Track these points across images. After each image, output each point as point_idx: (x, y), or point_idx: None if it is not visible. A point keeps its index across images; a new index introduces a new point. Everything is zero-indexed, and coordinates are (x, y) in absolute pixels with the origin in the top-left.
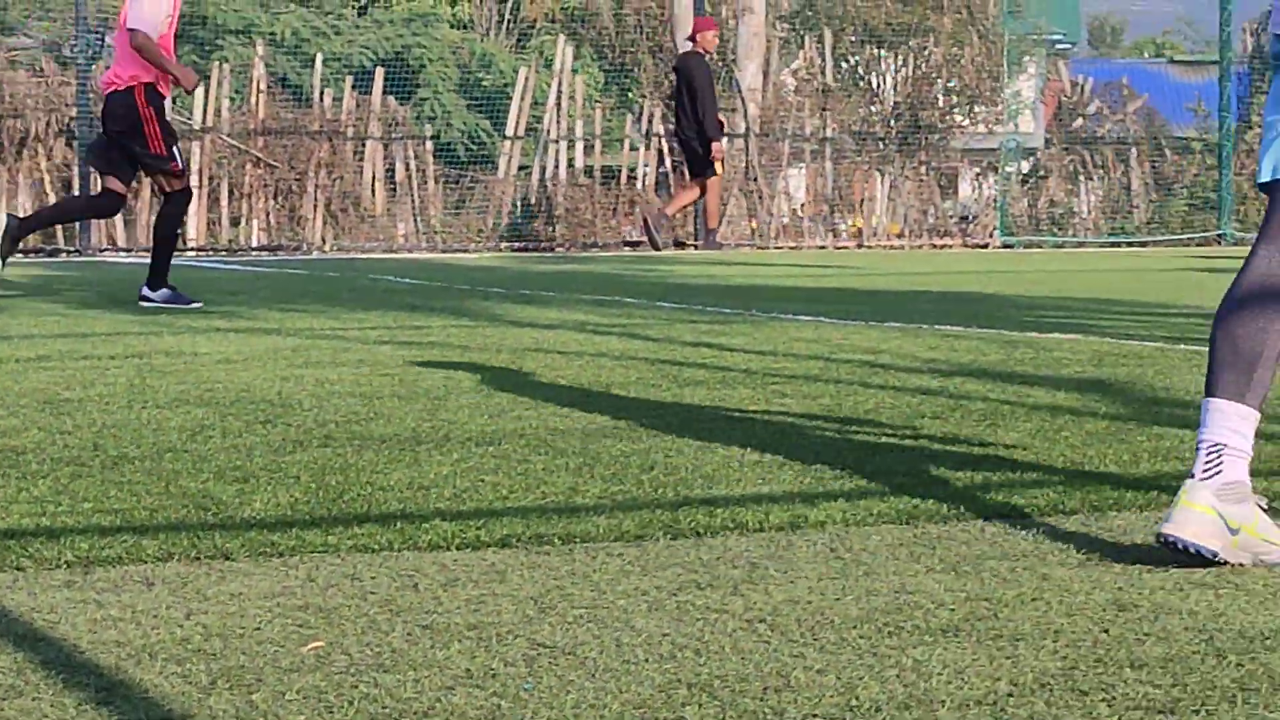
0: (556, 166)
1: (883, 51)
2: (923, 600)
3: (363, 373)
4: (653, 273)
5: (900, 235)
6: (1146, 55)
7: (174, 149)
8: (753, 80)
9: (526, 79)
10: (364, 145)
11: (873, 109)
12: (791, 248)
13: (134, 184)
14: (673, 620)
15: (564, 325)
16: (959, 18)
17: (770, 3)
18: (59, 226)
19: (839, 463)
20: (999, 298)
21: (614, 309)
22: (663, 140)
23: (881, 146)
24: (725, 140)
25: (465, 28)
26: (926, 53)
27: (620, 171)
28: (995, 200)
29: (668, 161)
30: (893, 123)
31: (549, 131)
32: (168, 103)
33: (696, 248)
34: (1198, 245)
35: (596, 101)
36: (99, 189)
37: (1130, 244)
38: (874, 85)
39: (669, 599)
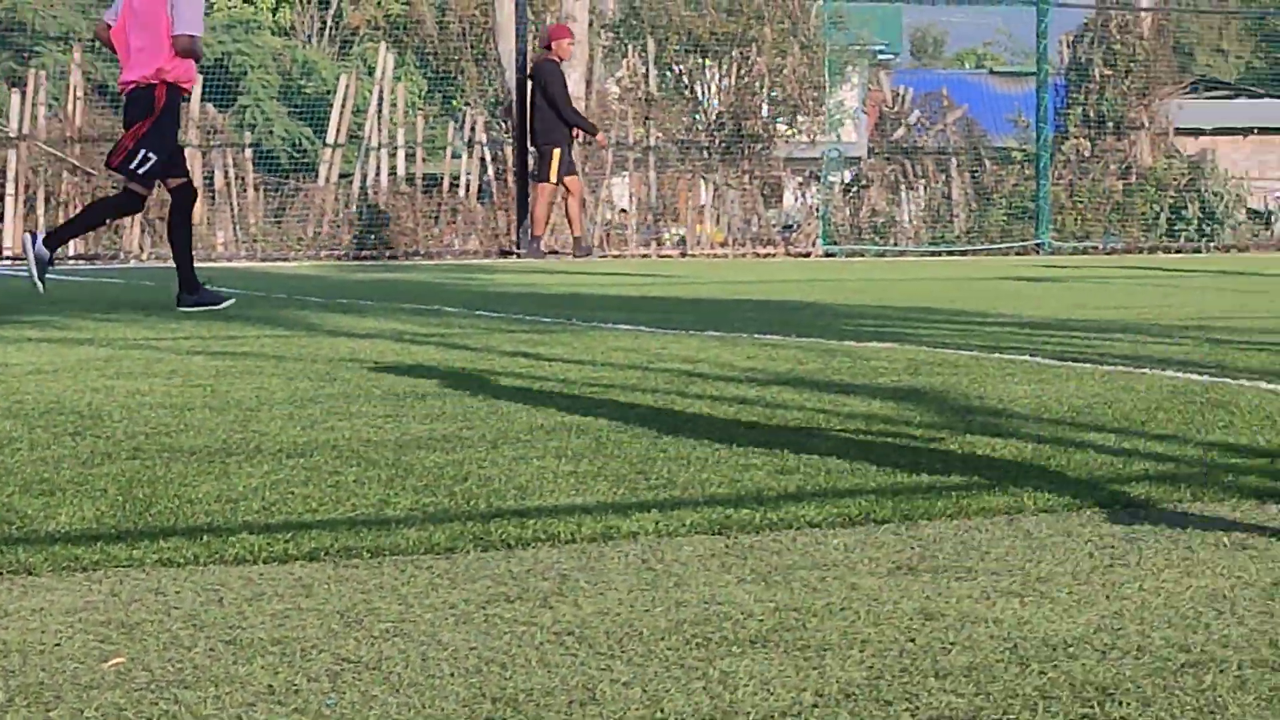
0: (378, 174)
1: (706, 61)
2: (732, 611)
3: (174, 384)
4: (473, 282)
5: (724, 244)
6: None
7: (141, 155)
8: (576, 89)
9: (348, 86)
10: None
11: (696, 118)
12: (615, 256)
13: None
14: (480, 634)
15: (381, 335)
16: (782, 28)
17: (594, 11)
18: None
19: (653, 473)
20: (819, 306)
21: (432, 318)
22: (485, 148)
23: (705, 155)
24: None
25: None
26: (750, 62)
27: (443, 179)
28: (818, 209)
29: (490, 169)
30: (716, 132)
31: (371, 139)
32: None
33: (519, 255)
34: (1017, 254)
35: (419, 109)
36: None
37: (950, 253)
38: (698, 94)
39: (477, 612)
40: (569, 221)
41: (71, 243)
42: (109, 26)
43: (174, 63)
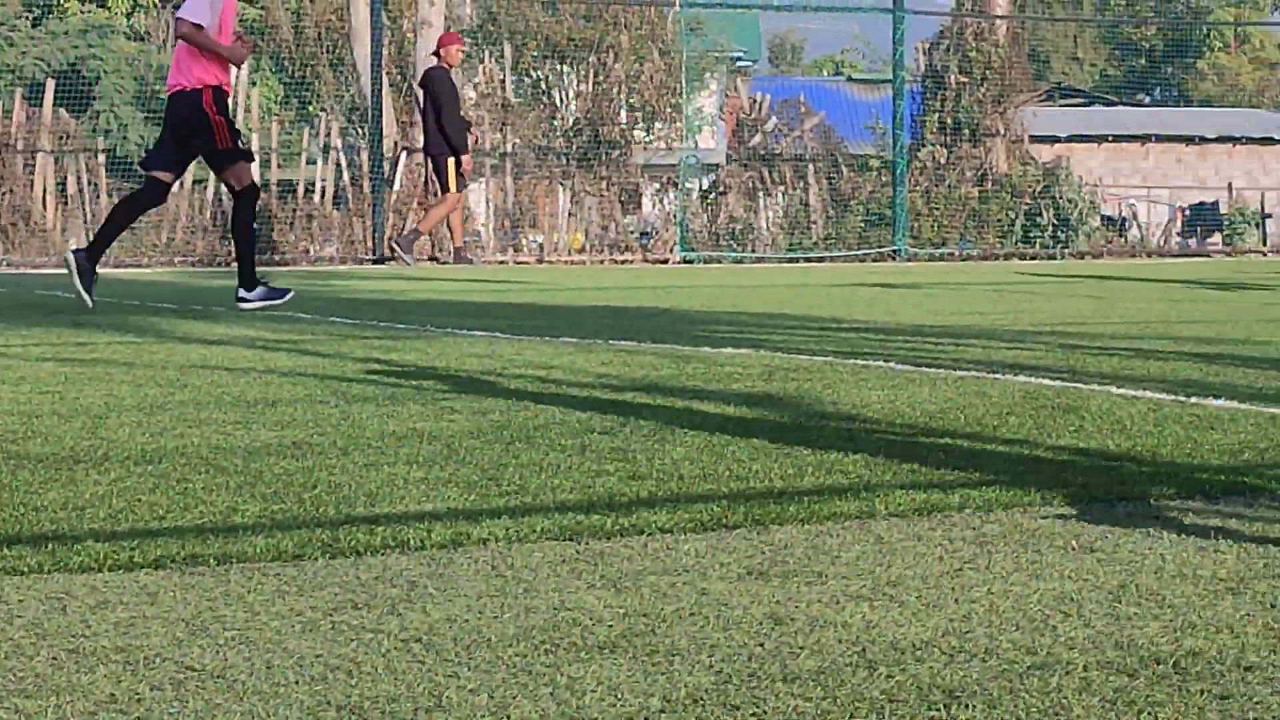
0: None
1: (564, 67)
2: (581, 617)
3: (22, 390)
4: (327, 288)
5: (581, 250)
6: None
7: (237, 141)
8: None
9: None
10: (34, 158)
11: (554, 124)
12: (468, 261)
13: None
14: (327, 641)
15: (233, 341)
16: (640, 34)
17: (450, 17)
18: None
19: (505, 479)
20: (675, 313)
21: (285, 325)
22: (341, 153)
23: (563, 162)
24: (405, 155)
25: (142, 39)
26: (607, 69)
27: (299, 185)
28: (675, 216)
29: (346, 175)
30: (574, 138)
31: None
32: None
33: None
34: (873, 261)
35: (274, 114)
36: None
37: (808, 259)
38: (555, 101)
39: (324, 619)
40: (450, 230)
41: None
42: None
43: (204, 65)
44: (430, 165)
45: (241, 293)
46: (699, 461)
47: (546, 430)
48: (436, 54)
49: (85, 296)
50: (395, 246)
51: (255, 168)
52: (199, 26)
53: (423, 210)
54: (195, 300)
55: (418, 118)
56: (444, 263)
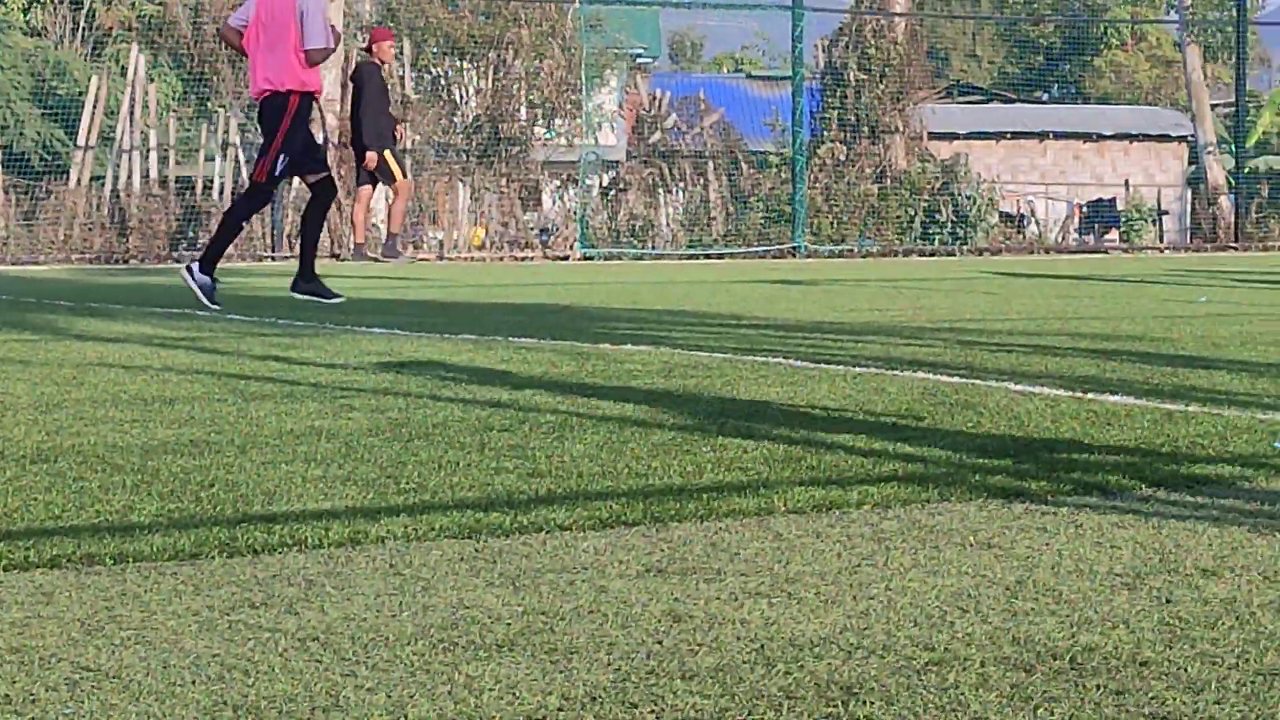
0: (130, 176)
1: (464, 63)
2: (480, 615)
3: None
4: (225, 285)
5: (482, 247)
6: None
7: (278, 161)
8: (331, 90)
9: (100, 88)
10: None
11: (454, 121)
12: (372, 259)
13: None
14: (224, 640)
15: (130, 339)
16: (540, 31)
17: (350, 13)
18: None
19: (403, 477)
20: (575, 309)
21: (184, 322)
22: (240, 150)
23: (463, 159)
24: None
25: (39, 35)
26: (507, 65)
27: (196, 182)
28: (576, 213)
29: (245, 171)
30: (474, 135)
31: (123, 141)
32: None
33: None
34: (773, 257)
35: (173, 111)
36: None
37: (708, 256)
38: (455, 97)
39: (221, 619)
40: (353, 225)
41: None
42: (239, 32)
43: (305, 72)
44: (359, 160)
45: (299, 285)
46: (598, 459)
47: (445, 428)
48: (368, 49)
49: (211, 306)
50: (383, 259)
51: (153, 164)
52: (325, 51)
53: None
54: (92, 298)
55: (315, 114)
56: (344, 260)
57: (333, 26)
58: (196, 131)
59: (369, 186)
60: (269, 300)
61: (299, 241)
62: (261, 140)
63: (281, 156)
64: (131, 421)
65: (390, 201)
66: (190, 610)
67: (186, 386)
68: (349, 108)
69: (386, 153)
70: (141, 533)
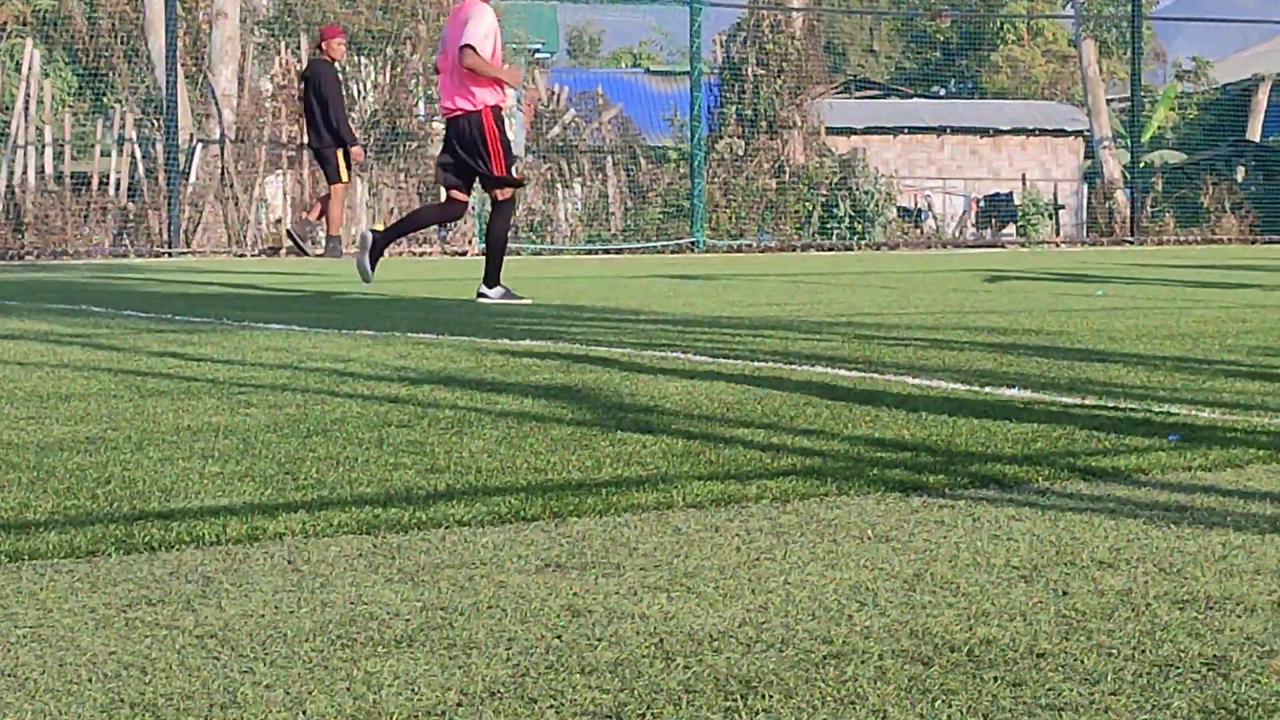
0: (25, 172)
1: (361, 58)
2: (378, 611)
3: None
4: (122, 281)
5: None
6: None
7: (511, 167)
8: (228, 86)
9: None
10: None
11: (351, 116)
12: (269, 255)
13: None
14: (120, 638)
15: (25, 336)
16: (437, 26)
17: (246, 7)
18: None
19: (301, 473)
20: (474, 305)
21: (80, 318)
22: (135, 146)
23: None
24: (201, 147)
25: None
26: (405, 60)
27: (93, 178)
28: (474, 208)
29: (141, 167)
30: (371, 130)
31: (18, 136)
32: None
33: (320, 256)
34: (672, 252)
35: (68, 106)
36: (445, 199)
37: (606, 251)
38: (353, 92)
39: (118, 616)
40: (327, 221)
41: None
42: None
43: (483, 87)
44: (317, 158)
45: (482, 289)
46: (497, 454)
47: (343, 424)
48: (319, 47)
49: (368, 272)
50: (321, 255)
51: (49, 159)
52: (473, 49)
53: (318, 210)
54: None
55: (213, 109)
56: (297, 253)
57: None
58: (92, 127)
59: (342, 183)
60: (165, 296)
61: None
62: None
63: (509, 167)
64: (27, 419)
65: (323, 196)
66: (87, 608)
67: (82, 383)
68: (303, 106)
69: (339, 151)
70: (37, 530)
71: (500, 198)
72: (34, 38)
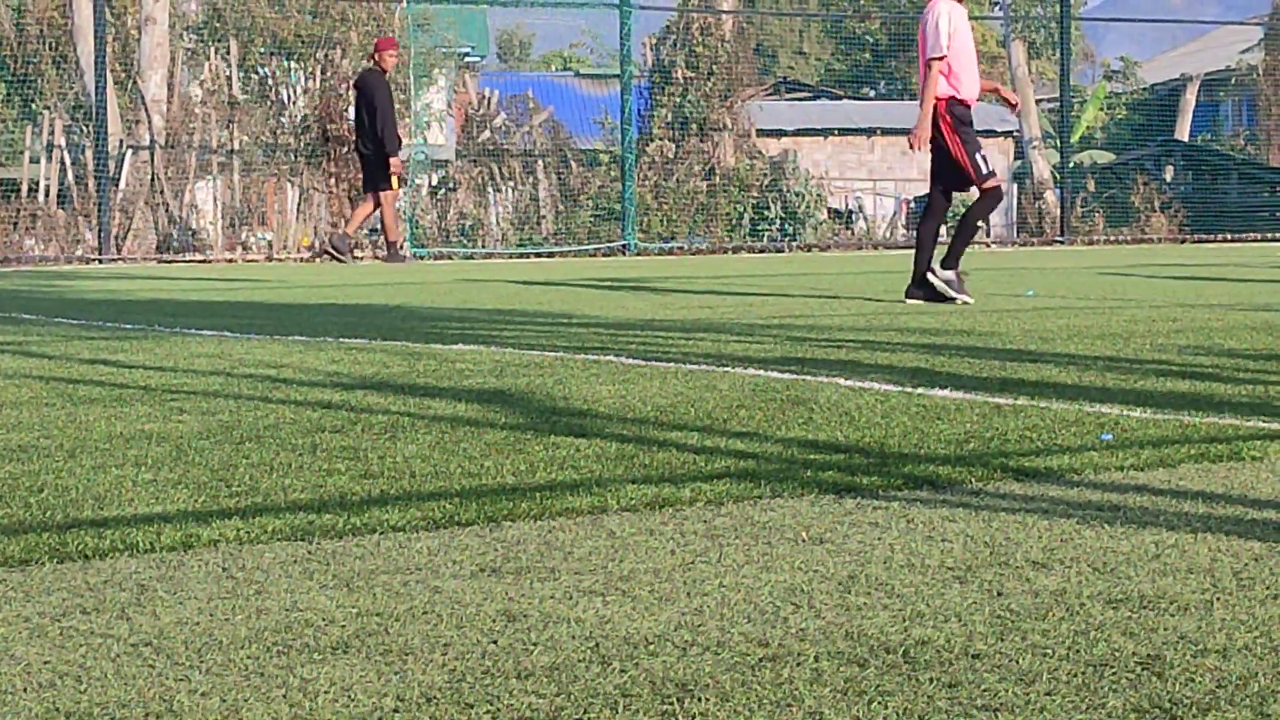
0: None
1: (291, 63)
2: (313, 617)
3: None
4: (52, 289)
5: (311, 248)
6: (554, 68)
7: (977, 158)
8: (157, 91)
9: None
10: None
11: (281, 121)
12: (199, 261)
13: None
14: (55, 647)
15: None
16: (367, 30)
17: (175, 13)
18: None
19: (235, 480)
20: (406, 309)
21: (9, 326)
22: (65, 152)
23: (291, 158)
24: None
25: None
26: (334, 65)
27: (21, 184)
28: (405, 212)
29: (70, 174)
30: (301, 135)
31: None
32: None
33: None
34: (604, 255)
35: None
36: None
37: (538, 255)
38: (282, 97)
39: (52, 625)
40: (383, 229)
41: None
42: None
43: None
44: (364, 167)
45: (934, 267)
46: (431, 459)
47: (277, 430)
48: (372, 58)
49: (961, 298)
50: (331, 252)
51: None
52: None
53: (361, 216)
54: None
55: (142, 115)
56: (379, 259)
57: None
58: (21, 134)
59: (392, 190)
60: (95, 303)
61: (954, 235)
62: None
63: (978, 155)
64: None
65: (363, 204)
66: (20, 616)
67: (13, 391)
68: (355, 114)
69: (391, 160)
70: None
71: (980, 189)
72: None
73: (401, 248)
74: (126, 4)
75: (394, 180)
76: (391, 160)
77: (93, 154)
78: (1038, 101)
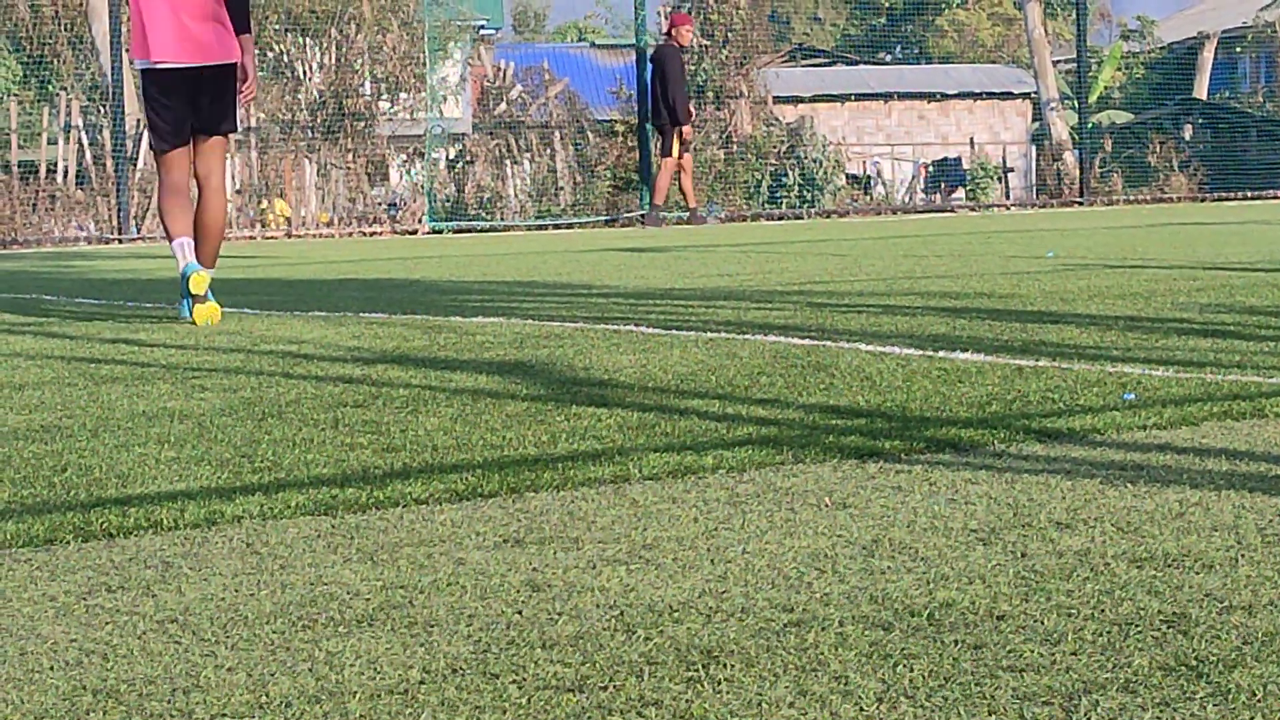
0: None
1: (306, 40)
2: (338, 591)
3: None
4: (72, 269)
5: (329, 224)
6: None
7: None
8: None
9: None
10: None
11: (298, 97)
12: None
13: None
14: (81, 625)
15: None
16: (381, 5)
17: None
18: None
19: (258, 456)
20: (425, 283)
21: (31, 307)
22: (82, 133)
23: (308, 135)
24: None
25: None
26: (350, 40)
27: (40, 166)
28: (423, 186)
29: (89, 154)
30: (318, 111)
31: None
32: None
33: (640, 218)
34: (622, 225)
35: (13, 94)
36: None
37: (557, 226)
38: (298, 74)
39: (78, 603)
40: (684, 195)
41: None
42: None
43: None
44: (658, 134)
45: None
46: (453, 431)
47: (298, 405)
48: (668, 33)
49: None
50: (642, 223)
51: None
52: None
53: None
54: None
55: None
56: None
57: None
58: (38, 115)
59: (688, 155)
60: (116, 283)
61: None
62: None
63: None
64: None
65: (655, 174)
66: (46, 596)
67: (36, 372)
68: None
69: (677, 130)
70: None
71: None
72: None
73: (664, 212)
74: None
75: (676, 148)
76: (684, 129)
77: (110, 134)
78: (1055, 62)
